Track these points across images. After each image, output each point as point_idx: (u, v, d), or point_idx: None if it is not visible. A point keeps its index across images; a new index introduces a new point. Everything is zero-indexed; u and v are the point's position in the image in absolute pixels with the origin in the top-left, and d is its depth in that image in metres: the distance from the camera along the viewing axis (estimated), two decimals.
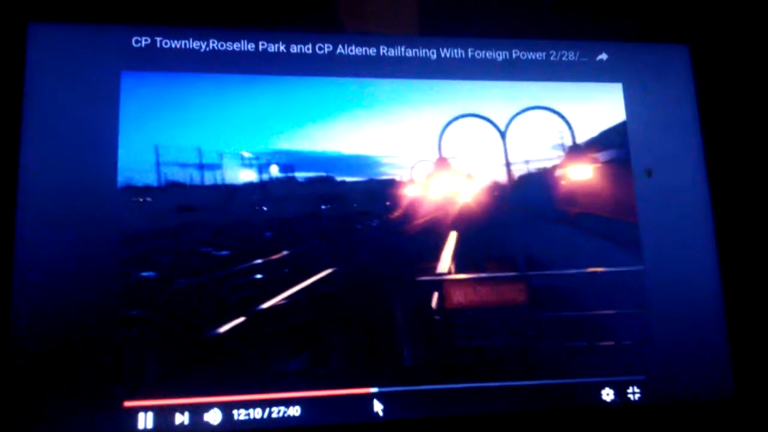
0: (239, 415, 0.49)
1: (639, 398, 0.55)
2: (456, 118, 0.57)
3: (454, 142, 0.57)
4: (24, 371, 0.47)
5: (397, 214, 0.56)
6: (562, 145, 0.59)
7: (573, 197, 0.58)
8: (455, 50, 0.58)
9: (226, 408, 0.49)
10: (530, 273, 0.56)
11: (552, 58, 0.59)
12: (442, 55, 0.58)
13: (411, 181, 0.56)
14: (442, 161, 0.57)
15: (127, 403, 0.48)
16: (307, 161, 0.54)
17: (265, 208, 0.53)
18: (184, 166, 0.52)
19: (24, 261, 0.48)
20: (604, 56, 0.60)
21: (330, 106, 0.55)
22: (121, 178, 0.51)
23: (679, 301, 0.56)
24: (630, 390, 0.55)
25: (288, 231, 0.53)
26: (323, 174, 0.54)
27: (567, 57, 0.59)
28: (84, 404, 0.47)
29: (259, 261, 0.52)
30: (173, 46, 0.53)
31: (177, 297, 0.50)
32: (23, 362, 0.47)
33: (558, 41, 0.59)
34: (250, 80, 0.54)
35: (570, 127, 0.59)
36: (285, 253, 0.53)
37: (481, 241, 0.56)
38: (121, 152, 0.51)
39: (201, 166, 0.52)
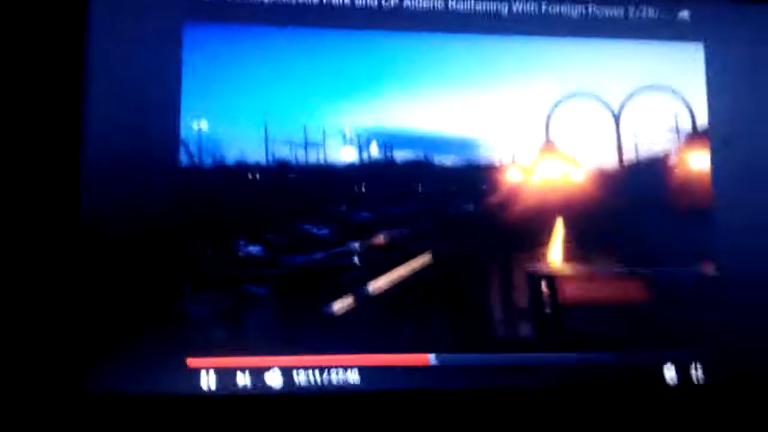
0: (299, 376, 0.49)
1: (702, 377, 0.53)
2: (565, 99, 0.54)
3: (559, 123, 0.54)
4: (92, 319, 0.48)
5: (496, 198, 0.54)
6: (678, 128, 0.55)
7: (689, 187, 0.55)
8: (528, 4, 0.55)
9: (287, 370, 0.49)
10: (657, 269, 0.54)
11: (630, 15, 0.56)
12: (514, 9, 0.55)
13: (512, 164, 0.54)
14: (548, 145, 0.55)
15: (191, 361, 0.48)
16: (405, 140, 0.52)
17: (363, 189, 0.52)
18: (290, 143, 0.51)
19: (91, 229, 0.48)
20: (685, 14, 0.56)
21: (415, 68, 0.53)
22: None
23: (756, 287, 0.54)
24: (693, 367, 0.53)
25: (384, 212, 0.52)
26: (421, 155, 0.52)
27: (646, 14, 0.56)
28: (148, 359, 0.48)
29: (356, 243, 0.52)
30: None
31: (284, 274, 0.51)
32: (93, 310, 0.48)
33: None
34: (317, 35, 0.52)
35: (690, 110, 0.55)
36: (381, 234, 0.52)
37: (591, 231, 0.54)
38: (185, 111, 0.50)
39: (306, 144, 0.51)
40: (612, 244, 0.55)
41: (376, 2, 0.53)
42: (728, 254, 0.54)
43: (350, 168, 0.52)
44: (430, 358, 0.51)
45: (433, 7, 0.54)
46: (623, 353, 0.53)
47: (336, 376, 0.50)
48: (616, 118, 0.55)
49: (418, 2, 0.54)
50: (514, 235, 0.54)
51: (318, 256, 0.51)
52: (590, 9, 0.56)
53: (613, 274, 0.55)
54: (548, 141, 0.54)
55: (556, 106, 0.54)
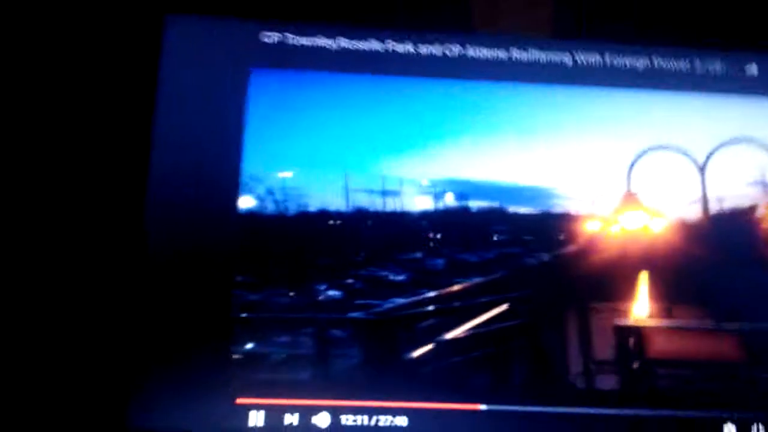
0: (347, 420, 0.49)
1: None
2: (648, 150, 0.54)
3: (641, 174, 0.54)
4: (146, 355, 0.48)
5: (573, 248, 0.54)
6: (764, 182, 0.55)
7: None
8: (591, 55, 0.56)
9: (335, 412, 0.49)
10: (746, 324, 0.52)
11: (697, 71, 0.56)
12: (578, 61, 0.55)
13: (591, 214, 0.54)
14: (630, 196, 0.54)
15: (240, 400, 0.48)
16: (480, 190, 0.53)
17: (438, 236, 0.53)
18: (369, 191, 0.52)
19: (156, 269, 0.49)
20: (754, 68, 0.56)
21: (486, 117, 0.54)
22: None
23: None
24: (755, 428, 0.51)
25: (459, 261, 0.53)
26: (496, 204, 0.53)
27: (713, 69, 0.56)
28: (198, 398, 0.48)
29: (430, 292, 0.52)
30: (302, 43, 0.53)
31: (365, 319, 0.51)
32: (145, 350, 0.48)
33: (703, 50, 0.56)
34: (379, 83, 0.54)
35: None
36: (456, 283, 0.53)
37: (676, 285, 0.53)
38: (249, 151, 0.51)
39: (383, 192, 0.53)
40: (698, 299, 0.53)
41: (440, 51, 0.54)
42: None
43: (425, 216, 0.53)
44: (482, 406, 0.50)
45: (496, 57, 0.55)
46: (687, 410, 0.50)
47: (384, 421, 0.49)
48: (701, 170, 0.55)
49: (481, 51, 0.55)
50: (594, 286, 0.53)
51: (397, 302, 0.52)
52: (655, 61, 0.56)
53: (700, 330, 0.53)
54: (630, 192, 0.54)
55: (639, 157, 0.54)
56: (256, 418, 0.48)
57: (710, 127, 0.55)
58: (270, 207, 0.51)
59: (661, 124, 0.55)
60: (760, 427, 0.50)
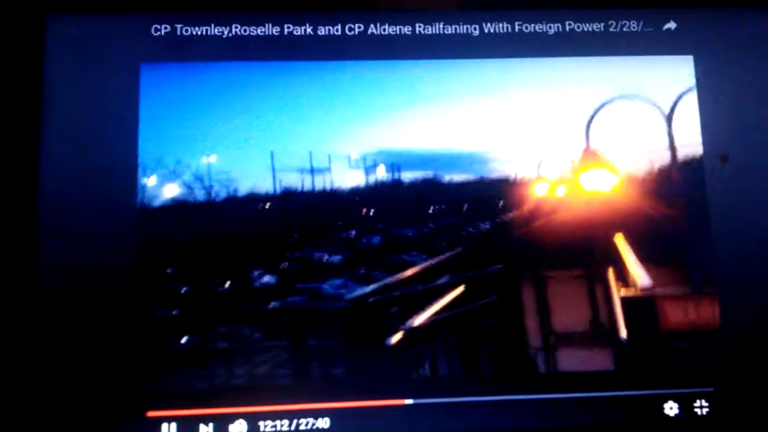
0: (266, 426, 0.47)
1: (707, 412, 0.49)
2: (607, 102, 0.53)
3: (599, 130, 0.53)
4: (48, 374, 0.46)
5: (522, 214, 0.52)
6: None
7: None
8: (500, 24, 0.54)
9: (252, 419, 0.47)
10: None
11: (612, 29, 0.54)
12: (486, 30, 0.54)
13: (538, 177, 0.52)
14: (590, 153, 0.52)
15: (151, 413, 0.47)
16: (412, 160, 0.52)
17: (372, 211, 0.52)
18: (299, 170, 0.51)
19: (47, 267, 0.47)
20: (671, 25, 0.55)
21: (390, 93, 0.53)
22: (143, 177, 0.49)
23: (757, 306, 0.50)
24: (697, 403, 0.49)
25: (396, 237, 0.52)
26: (430, 173, 0.52)
27: (629, 27, 0.54)
28: (107, 413, 0.46)
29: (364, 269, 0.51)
30: (194, 33, 0.52)
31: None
32: (47, 366, 0.46)
33: (617, 10, 0.54)
34: (282, 67, 0.52)
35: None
36: (394, 260, 0.51)
37: (661, 247, 0.51)
38: (145, 146, 0.50)
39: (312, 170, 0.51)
40: (675, 262, 0.51)
41: (339, 30, 0.52)
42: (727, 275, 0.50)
43: (357, 192, 0.52)
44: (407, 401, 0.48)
45: (399, 32, 0.53)
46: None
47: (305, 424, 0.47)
48: (668, 119, 0.53)
49: (384, 28, 0.53)
50: (557, 252, 0.51)
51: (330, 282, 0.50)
52: (567, 25, 0.54)
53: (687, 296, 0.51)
54: (590, 148, 0.52)
55: (597, 111, 0.53)
56: (169, 430, 0.46)
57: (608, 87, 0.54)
58: (196, 194, 0.50)
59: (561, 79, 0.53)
60: (704, 402, 0.49)
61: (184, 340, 0.47)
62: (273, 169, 0.50)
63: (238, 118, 0.51)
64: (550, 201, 0.52)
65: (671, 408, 0.49)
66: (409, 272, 0.50)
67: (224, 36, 0.52)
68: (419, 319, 0.50)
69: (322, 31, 0.53)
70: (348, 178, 0.51)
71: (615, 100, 0.53)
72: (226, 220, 0.50)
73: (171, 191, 0.49)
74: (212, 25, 0.52)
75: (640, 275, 0.51)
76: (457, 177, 0.52)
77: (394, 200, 0.52)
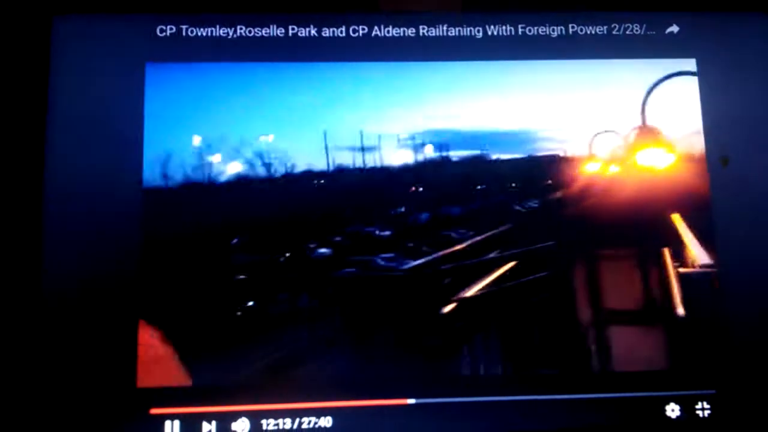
0: (268, 425, 0.48)
1: (708, 415, 0.49)
2: (665, 78, 0.53)
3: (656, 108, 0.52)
4: (53, 371, 0.47)
5: (573, 193, 0.52)
6: None
7: None
8: (503, 27, 0.54)
9: (255, 417, 0.48)
10: None
11: (615, 32, 0.54)
12: (489, 33, 0.54)
13: (590, 156, 0.52)
14: (647, 131, 0.53)
15: (154, 410, 0.47)
16: (460, 139, 0.53)
17: (420, 189, 0.52)
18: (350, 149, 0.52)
19: (52, 268, 0.48)
20: (674, 29, 0.54)
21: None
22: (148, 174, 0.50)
23: (759, 308, 0.50)
24: (699, 406, 0.49)
25: (443, 214, 0.53)
26: (477, 152, 0.53)
27: (632, 31, 0.54)
28: (111, 411, 0.47)
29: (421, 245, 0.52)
30: (199, 34, 0.53)
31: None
32: (51, 361, 0.47)
33: (620, 13, 0.54)
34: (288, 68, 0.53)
35: None
36: (442, 237, 0.52)
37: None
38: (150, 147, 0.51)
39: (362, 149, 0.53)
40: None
41: (343, 32, 0.53)
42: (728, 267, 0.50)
43: (407, 170, 0.53)
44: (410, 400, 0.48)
45: (403, 34, 0.54)
46: None
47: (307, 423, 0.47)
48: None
49: (388, 31, 0.53)
50: (614, 231, 0.52)
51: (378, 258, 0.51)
52: (570, 28, 0.54)
53: None
54: (646, 126, 0.52)
55: (654, 87, 0.53)
56: (172, 428, 0.47)
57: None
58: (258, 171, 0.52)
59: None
60: (705, 404, 0.49)
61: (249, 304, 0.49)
62: (326, 148, 0.52)
63: (247, 118, 0.52)
64: (603, 179, 0.53)
65: (672, 410, 0.49)
66: (458, 247, 0.51)
67: (229, 37, 0.53)
68: (471, 291, 0.51)
69: (326, 32, 0.53)
70: (397, 156, 0.53)
71: (672, 77, 0.53)
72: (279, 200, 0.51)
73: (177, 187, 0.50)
74: (217, 26, 0.52)
75: (700, 253, 0.51)
76: (505, 155, 0.53)
77: (441, 178, 0.53)
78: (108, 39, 0.51)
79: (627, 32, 0.54)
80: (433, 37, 0.54)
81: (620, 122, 0.54)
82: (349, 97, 0.53)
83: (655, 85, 0.53)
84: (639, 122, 0.53)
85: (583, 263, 0.52)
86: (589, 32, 0.54)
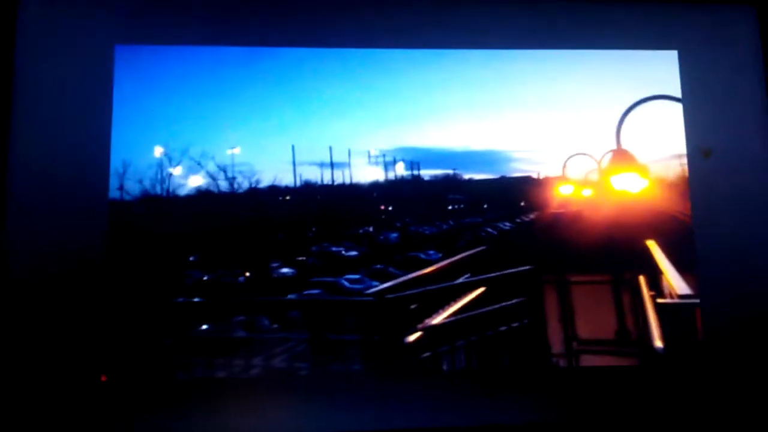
0: None
1: None
2: (640, 102, 0.52)
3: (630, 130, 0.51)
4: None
5: (546, 216, 0.52)
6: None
7: None
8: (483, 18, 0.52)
9: None
10: None
11: (599, 23, 0.53)
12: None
13: (563, 178, 0.51)
14: (621, 154, 0.51)
15: None
16: (431, 158, 0.51)
17: (390, 208, 0.51)
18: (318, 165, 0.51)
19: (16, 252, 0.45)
20: (657, 20, 0.53)
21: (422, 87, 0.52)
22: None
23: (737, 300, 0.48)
24: None
25: (413, 234, 0.52)
26: (450, 171, 0.52)
27: (616, 22, 0.53)
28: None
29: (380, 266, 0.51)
30: (172, 17, 0.49)
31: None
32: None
33: (604, 5, 0.53)
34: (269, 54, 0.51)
35: None
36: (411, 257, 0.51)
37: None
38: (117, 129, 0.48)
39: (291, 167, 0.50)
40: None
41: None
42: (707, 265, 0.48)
43: (376, 188, 0.52)
44: None
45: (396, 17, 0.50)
46: None
47: None
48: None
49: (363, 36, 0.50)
50: (582, 256, 0.50)
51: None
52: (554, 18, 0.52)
53: None
54: (621, 149, 0.51)
55: (630, 110, 0.52)
56: None
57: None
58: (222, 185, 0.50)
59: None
60: None
61: (203, 328, 0.45)
62: (293, 163, 0.50)
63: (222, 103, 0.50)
64: (576, 203, 0.52)
65: None
66: (428, 270, 0.49)
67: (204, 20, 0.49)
68: (438, 319, 0.49)
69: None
70: (367, 173, 0.51)
71: (647, 100, 0.52)
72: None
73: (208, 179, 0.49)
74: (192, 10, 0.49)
75: (678, 283, 0.49)
76: (477, 176, 0.52)
77: (412, 198, 0.52)
78: (77, 19, 0.48)
79: (611, 24, 0.53)
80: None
81: (594, 145, 0.53)
82: (320, 110, 0.52)
83: (630, 109, 0.52)
84: (613, 145, 0.52)
85: (555, 290, 0.51)
86: (570, 21, 0.52)
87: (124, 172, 0.47)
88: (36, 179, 0.46)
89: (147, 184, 0.48)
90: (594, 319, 0.51)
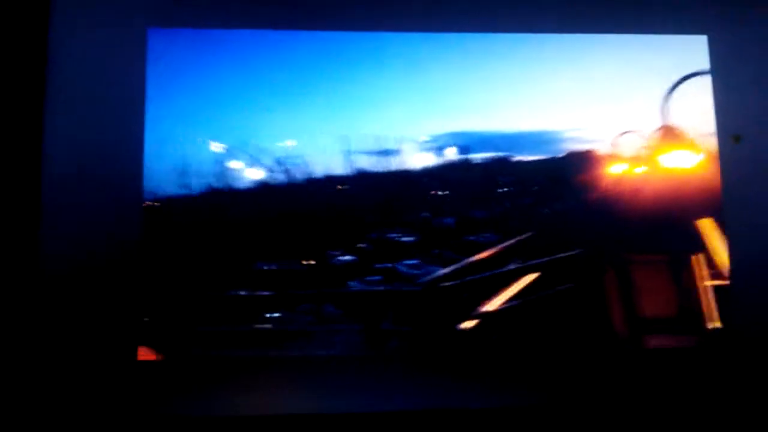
0: None
1: None
2: (686, 77, 0.51)
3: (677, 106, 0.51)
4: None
5: (598, 196, 0.51)
6: None
7: None
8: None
9: None
10: None
11: (628, 7, 0.53)
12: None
13: (613, 156, 0.51)
14: (669, 131, 0.51)
15: None
16: (481, 141, 0.52)
17: (444, 192, 0.51)
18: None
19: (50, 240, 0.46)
20: (686, 5, 0.53)
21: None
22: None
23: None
24: None
25: (466, 217, 0.51)
26: (500, 154, 0.52)
27: (645, 6, 0.53)
28: None
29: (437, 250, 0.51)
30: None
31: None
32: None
33: None
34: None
35: None
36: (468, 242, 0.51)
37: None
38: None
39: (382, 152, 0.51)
40: None
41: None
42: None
43: (428, 173, 0.52)
44: None
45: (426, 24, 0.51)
46: None
47: None
48: None
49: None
50: (636, 236, 0.50)
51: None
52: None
53: None
54: (668, 125, 0.50)
55: (676, 86, 0.51)
56: None
57: None
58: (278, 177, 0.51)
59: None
60: None
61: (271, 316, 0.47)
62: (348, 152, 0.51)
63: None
64: (628, 181, 0.51)
65: None
66: (481, 255, 0.50)
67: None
68: (491, 305, 0.49)
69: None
70: (418, 159, 0.52)
71: (693, 76, 0.52)
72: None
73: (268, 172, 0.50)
74: None
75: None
76: (527, 157, 0.52)
77: (464, 182, 0.52)
78: (109, 4, 0.48)
79: (640, 8, 0.53)
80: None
81: (643, 121, 0.52)
82: (368, 99, 0.52)
83: (674, 87, 0.52)
84: (660, 122, 0.52)
85: (612, 271, 0.50)
86: (602, 7, 0.52)
87: (185, 167, 0.49)
88: (70, 166, 0.46)
89: (210, 179, 0.49)
90: (655, 298, 0.50)
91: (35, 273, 0.45)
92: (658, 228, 0.50)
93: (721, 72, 0.51)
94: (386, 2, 0.52)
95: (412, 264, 0.50)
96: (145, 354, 0.45)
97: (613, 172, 0.51)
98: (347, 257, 0.50)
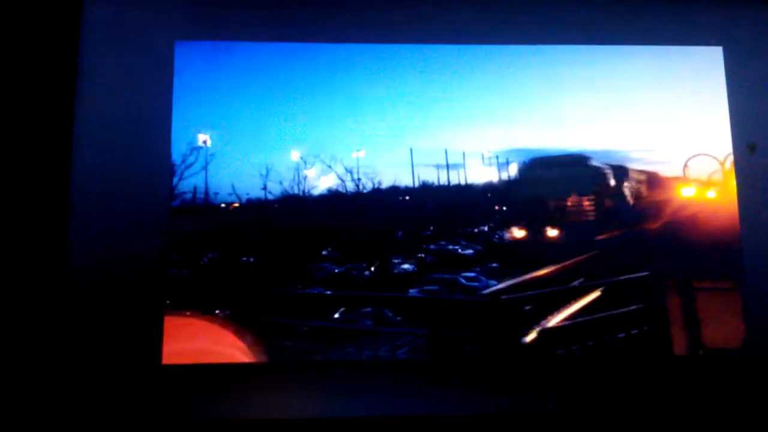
0: None
1: None
2: None
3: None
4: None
5: (666, 218, 0.51)
6: None
7: None
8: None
9: None
10: None
11: (643, 19, 0.54)
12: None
13: (684, 179, 0.51)
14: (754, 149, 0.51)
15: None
16: (545, 159, 0.53)
17: (505, 208, 0.53)
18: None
19: (78, 236, 0.48)
20: (701, 16, 0.54)
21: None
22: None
23: None
24: None
25: (533, 238, 0.52)
26: (564, 172, 0.52)
27: (660, 18, 0.54)
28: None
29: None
30: (230, 13, 0.52)
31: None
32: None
33: (648, 1, 0.53)
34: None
35: None
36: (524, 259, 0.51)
37: None
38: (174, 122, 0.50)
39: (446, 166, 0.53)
40: None
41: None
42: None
43: (490, 188, 0.53)
44: None
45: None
46: None
47: None
48: None
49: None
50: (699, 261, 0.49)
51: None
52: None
53: None
54: (752, 144, 0.50)
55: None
56: None
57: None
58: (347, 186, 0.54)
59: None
60: None
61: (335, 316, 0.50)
62: (412, 164, 0.53)
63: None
64: (698, 205, 0.50)
65: None
66: (542, 272, 0.50)
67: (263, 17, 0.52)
68: (553, 321, 0.48)
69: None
70: (481, 174, 0.53)
71: None
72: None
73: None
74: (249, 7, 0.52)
75: None
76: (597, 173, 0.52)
77: (526, 198, 0.52)
78: (138, 17, 0.50)
79: (655, 20, 0.53)
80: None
81: (715, 145, 0.51)
82: (434, 114, 0.54)
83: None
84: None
85: (677, 295, 0.49)
86: (618, 19, 0.53)
87: (267, 174, 0.53)
88: (98, 173, 0.49)
89: (287, 185, 0.53)
90: (720, 327, 0.49)
91: (63, 277, 0.47)
92: (728, 254, 0.49)
93: (737, 83, 0.52)
94: (457, 16, 0.54)
95: (471, 276, 0.51)
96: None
97: (683, 194, 0.50)
98: (407, 266, 0.52)
